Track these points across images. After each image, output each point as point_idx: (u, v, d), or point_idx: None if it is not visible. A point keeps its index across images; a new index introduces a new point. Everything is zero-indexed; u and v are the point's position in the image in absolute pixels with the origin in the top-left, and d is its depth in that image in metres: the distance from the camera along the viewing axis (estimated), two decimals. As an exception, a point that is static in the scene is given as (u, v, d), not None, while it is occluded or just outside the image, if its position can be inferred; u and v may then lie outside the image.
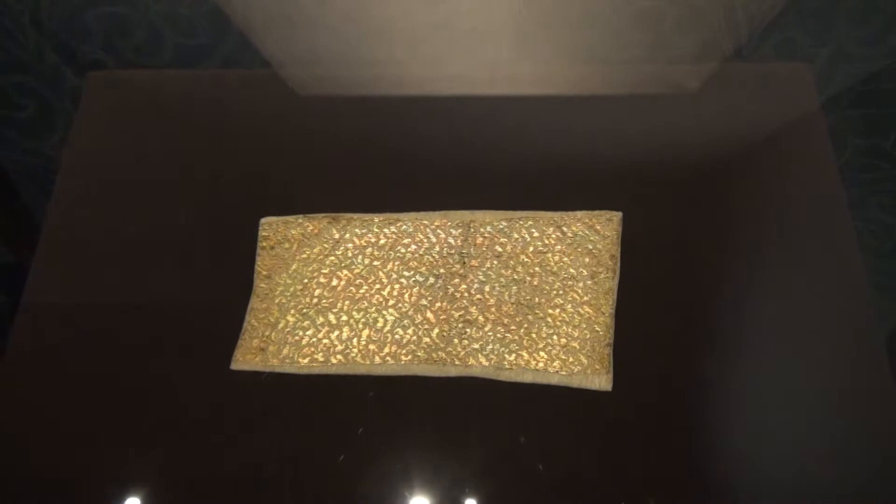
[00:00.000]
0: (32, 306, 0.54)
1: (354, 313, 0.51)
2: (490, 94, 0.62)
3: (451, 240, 0.53)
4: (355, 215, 0.55)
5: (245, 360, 0.50)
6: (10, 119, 0.77)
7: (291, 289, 0.52)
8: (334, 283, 0.52)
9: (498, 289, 0.51)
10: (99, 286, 0.55)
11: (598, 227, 0.53)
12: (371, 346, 0.50)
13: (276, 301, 0.52)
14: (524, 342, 0.49)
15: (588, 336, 0.49)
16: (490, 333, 0.50)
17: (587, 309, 0.50)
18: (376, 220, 0.54)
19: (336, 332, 0.51)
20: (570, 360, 0.48)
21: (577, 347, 0.49)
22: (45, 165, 0.79)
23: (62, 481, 0.49)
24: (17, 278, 0.57)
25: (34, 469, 0.49)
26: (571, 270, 0.51)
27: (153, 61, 0.70)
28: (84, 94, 0.62)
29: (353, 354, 0.50)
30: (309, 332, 0.51)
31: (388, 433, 0.48)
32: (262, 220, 0.55)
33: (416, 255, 0.53)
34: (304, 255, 0.53)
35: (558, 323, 0.49)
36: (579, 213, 0.53)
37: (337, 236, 0.54)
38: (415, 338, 0.50)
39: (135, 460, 0.49)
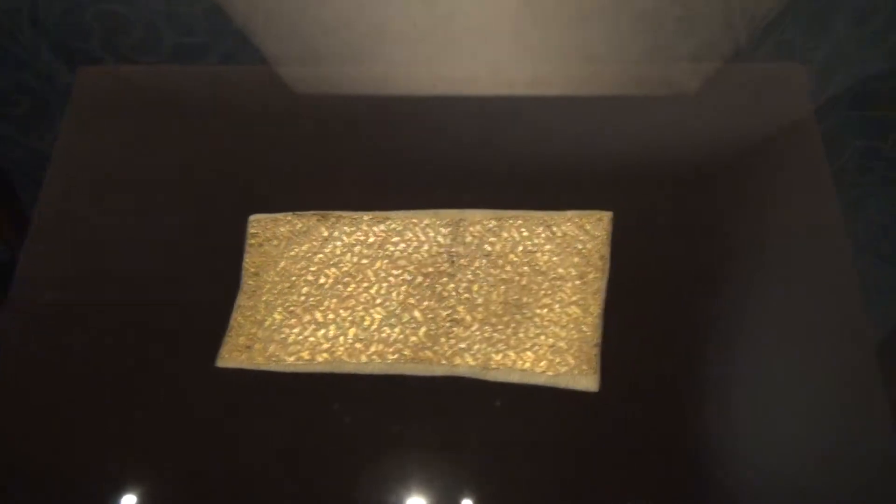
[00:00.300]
0: (20, 301, 0.54)
1: (342, 311, 0.51)
2: (487, 93, 0.62)
3: (440, 238, 0.53)
4: (344, 213, 0.54)
5: (231, 357, 0.50)
6: (7, 115, 0.77)
7: (279, 286, 0.52)
8: (322, 281, 0.52)
9: (486, 288, 0.51)
10: (87, 282, 0.55)
11: (588, 227, 0.52)
12: (357, 345, 0.50)
13: (264, 299, 0.52)
14: (511, 342, 0.49)
15: (575, 336, 0.48)
16: (477, 333, 0.49)
17: (575, 309, 0.49)
18: (365, 218, 0.54)
19: (322, 331, 0.50)
20: (557, 360, 0.48)
21: (565, 348, 0.48)
22: (41, 162, 0.79)
23: (47, 480, 0.49)
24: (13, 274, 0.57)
25: (19, 466, 0.49)
26: (560, 270, 0.51)
27: (151, 59, 0.70)
28: (75, 89, 0.62)
29: (340, 353, 0.49)
30: (295, 331, 0.50)
31: (377, 432, 0.48)
32: (251, 218, 0.55)
33: (405, 254, 0.52)
34: (293, 253, 0.53)
35: (546, 323, 0.49)
36: (569, 213, 0.53)
37: (325, 234, 0.54)
38: (402, 336, 0.50)
39: (118, 457, 0.49)
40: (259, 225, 0.54)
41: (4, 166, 0.80)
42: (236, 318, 0.51)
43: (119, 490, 0.47)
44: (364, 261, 0.53)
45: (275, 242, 0.54)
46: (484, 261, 0.52)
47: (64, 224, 0.57)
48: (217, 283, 0.53)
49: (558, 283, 0.50)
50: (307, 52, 0.69)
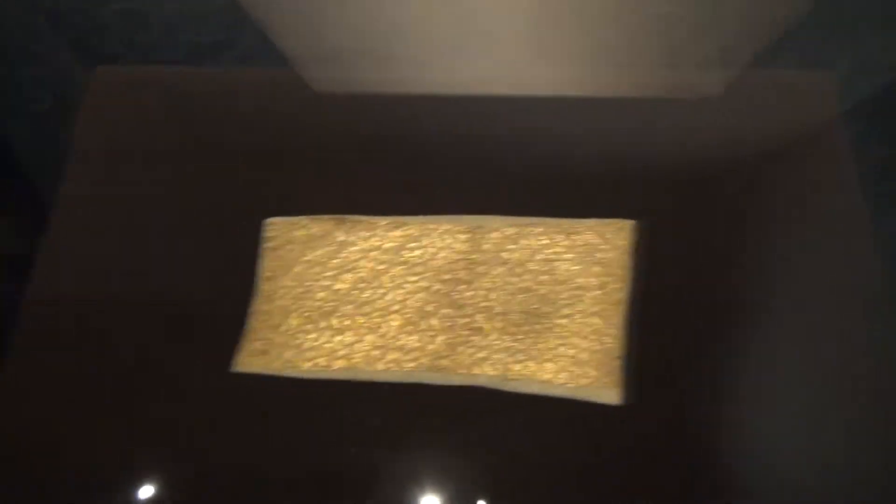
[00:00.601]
0: (37, 299, 0.54)
1: (358, 318, 0.50)
2: (506, 94, 0.61)
3: (457, 245, 0.52)
4: (361, 218, 0.54)
5: (247, 362, 0.50)
6: (29, 112, 0.77)
7: (295, 291, 0.51)
8: (338, 286, 0.51)
9: (505, 297, 0.50)
10: (103, 282, 0.54)
11: (609, 236, 0.51)
12: (374, 352, 0.49)
13: (279, 303, 0.51)
14: (531, 352, 0.48)
15: (597, 348, 0.48)
16: (496, 342, 0.48)
17: (596, 320, 0.48)
18: (382, 223, 0.53)
19: (339, 337, 0.50)
20: (578, 371, 0.47)
21: (586, 359, 0.47)
22: (60, 158, 0.79)
23: (63, 478, 0.48)
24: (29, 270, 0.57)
25: (34, 465, 0.49)
26: (580, 280, 0.50)
27: (169, 57, 0.70)
28: (91, 87, 0.62)
29: (357, 360, 0.49)
30: (311, 336, 0.50)
31: (392, 440, 0.48)
32: (267, 221, 0.54)
33: (422, 260, 0.52)
34: (309, 258, 0.52)
35: (566, 333, 0.48)
36: (590, 222, 0.52)
37: (342, 239, 0.53)
38: (419, 345, 0.49)
39: (133, 458, 0.48)
40: (275, 229, 0.54)
41: (25, 163, 0.80)
42: (252, 322, 0.51)
43: (133, 489, 0.47)
44: (380, 266, 0.52)
45: (290, 247, 0.53)
46: (503, 269, 0.51)
47: (81, 223, 0.56)
48: (234, 286, 0.53)
49: (579, 292, 0.49)
50: (325, 52, 0.68)
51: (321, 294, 0.51)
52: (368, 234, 0.53)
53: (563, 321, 0.49)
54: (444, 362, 0.48)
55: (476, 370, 0.48)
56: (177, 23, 0.68)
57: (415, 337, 0.49)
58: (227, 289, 0.53)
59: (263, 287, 0.52)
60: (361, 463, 0.47)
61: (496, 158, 0.58)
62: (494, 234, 0.52)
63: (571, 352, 0.48)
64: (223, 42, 0.69)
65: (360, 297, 0.51)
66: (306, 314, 0.51)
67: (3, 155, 0.71)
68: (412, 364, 0.48)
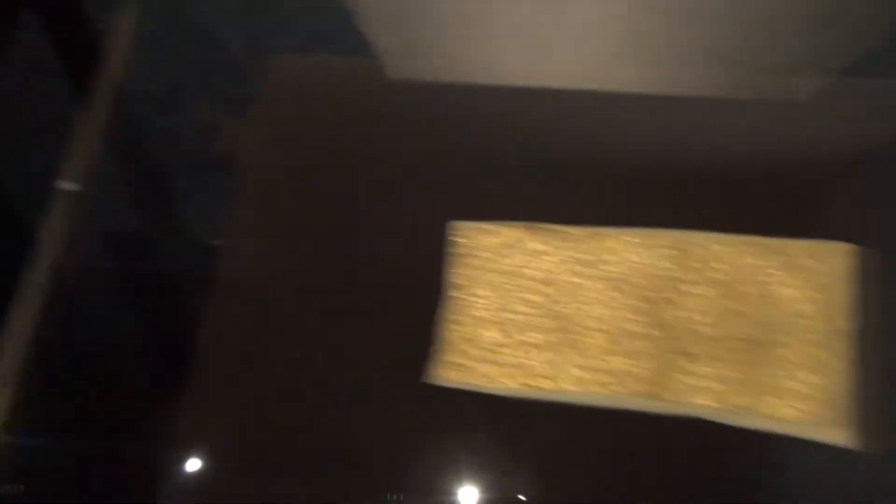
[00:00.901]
0: (218, 297, 0.53)
1: (559, 333, 0.48)
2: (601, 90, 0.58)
3: (661, 262, 0.49)
4: (552, 226, 0.51)
5: (442, 375, 0.48)
6: (147, 97, 0.76)
7: (490, 302, 0.49)
8: (536, 298, 0.49)
9: (716, 320, 0.47)
10: (284, 283, 0.53)
11: (828, 260, 0.48)
12: (577, 372, 0.47)
13: (474, 314, 0.49)
14: (750, 383, 0.45)
15: (824, 383, 0.44)
16: (709, 370, 0.46)
17: (821, 351, 0.45)
18: (576, 233, 0.51)
19: (539, 353, 0.47)
20: (805, 407, 0.44)
21: (813, 395, 0.44)
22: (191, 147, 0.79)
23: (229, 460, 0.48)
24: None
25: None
26: (800, 307, 0.47)
27: (287, 44, 0.69)
28: (266, 78, 0.61)
29: (561, 381, 0.46)
30: (509, 351, 0.48)
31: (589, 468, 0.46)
32: (454, 225, 0.52)
33: (624, 276, 0.49)
34: (503, 267, 0.50)
35: (788, 365, 0.45)
36: (804, 243, 0.49)
37: (536, 248, 0.50)
38: (626, 367, 0.46)
39: (314, 460, 0.47)
40: (463, 234, 0.52)
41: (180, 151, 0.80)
42: (444, 333, 0.49)
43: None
44: (578, 279, 0.49)
45: (484, 254, 0.51)
46: (712, 290, 0.48)
47: (259, 221, 0.56)
48: (419, 292, 0.51)
49: (799, 320, 0.46)
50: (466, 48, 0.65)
51: (518, 307, 0.49)
52: (563, 243, 0.50)
53: (784, 351, 0.46)
54: (655, 388, 0.46)
55: (690, 399, 0.45)
56: (293, 12, 0.67)
57: (621, 359, 0.47)
58: (413, 295, 0.51)
59: (455, 295, 0.50)
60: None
61: (688, 165, 0.55)
62: (700, 252, 0.49)
63: (795, 385, 0.45)
64: (337, 32, 0.67)
65: (560, 312, 0.48)
66: (504, 328, 0.48)
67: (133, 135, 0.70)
68: (619, 388, 0.46)
